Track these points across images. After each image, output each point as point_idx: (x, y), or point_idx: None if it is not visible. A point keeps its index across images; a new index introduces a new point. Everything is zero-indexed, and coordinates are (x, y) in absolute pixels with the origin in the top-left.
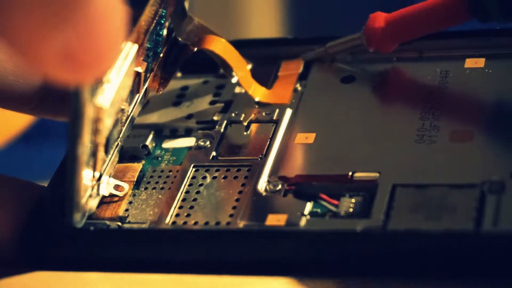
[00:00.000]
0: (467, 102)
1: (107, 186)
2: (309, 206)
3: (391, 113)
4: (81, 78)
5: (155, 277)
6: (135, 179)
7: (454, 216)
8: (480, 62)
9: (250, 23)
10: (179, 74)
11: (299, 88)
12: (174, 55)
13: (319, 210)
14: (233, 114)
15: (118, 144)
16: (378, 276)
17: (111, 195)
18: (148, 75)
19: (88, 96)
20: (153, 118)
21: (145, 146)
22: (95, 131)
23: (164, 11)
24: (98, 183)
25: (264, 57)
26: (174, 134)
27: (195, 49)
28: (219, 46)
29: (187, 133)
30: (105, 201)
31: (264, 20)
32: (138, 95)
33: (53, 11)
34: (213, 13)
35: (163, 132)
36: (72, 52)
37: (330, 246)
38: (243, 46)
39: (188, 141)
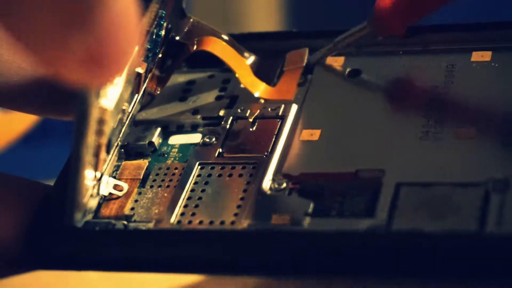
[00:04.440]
0: (473, 97)
1: (107, 186)
2: (313, 205)
3: (396, 109)
4: (99, 80)
5: (159, 277)
6: (141, 177)
7: (458, 216)
8: (486, 56)
9: (253, 17)
10: (184, 68)
11: (305, 83)
12: (172, 56)
13: (323, 209)
14: (238, 110)
15: (118, 144)
16: (382, 276)
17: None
18: (147, 75)
19: (94, 97)
20: (160, 113)
21: (152, 143)
22: (99, 132)
23: (164, 12)
24: (99, 183)
25: (270, 50)
26: (180, 129)
27: (194, 49)
28: (216, 47)
29: (193, 128)
30: (111, 198)
31: (268, 14)
32: (137, 95)
33: (72, 14)
34: (217, 7)
35: (169, 128)
36: (91, 55)
37: (334, 246)
38: (249, 40)
39: (195, 137)
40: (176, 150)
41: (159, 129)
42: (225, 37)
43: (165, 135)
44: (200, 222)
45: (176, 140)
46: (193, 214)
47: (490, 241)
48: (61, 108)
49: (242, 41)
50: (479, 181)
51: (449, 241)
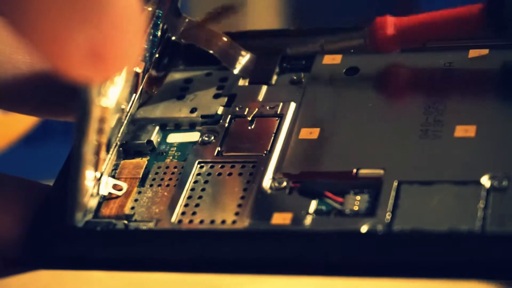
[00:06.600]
0: (471, 95)
1: (106, 186)
2: (314, 204)
3: (395, 107)
4: (102, 76)
5: (160, 276)
6: (141, 176)
7: (459, 215)
8: (483, 53)
9: (252, 14)
10: (181, 66)
11: (303, 80)
12: (168, 56)
13: (324, 208)
14: (237, 108)
15: (117, 143)
16: (383, 276)
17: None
18: (145, 75)
19: (95, 95)
20: (157, 112)
21: (150, 142)
22: (99, 131)
23: (161, 12)
24: (99, 183)
25: (266, 48)
26: (178, 128)
27: (197, 46)
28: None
29: (191, 127)
30: (110, 198)
31: (267, 11)
32: (135, 95)
33: (77, 9)
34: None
35: (167, 126)
36: (96, 50)
37: (335, 246)
38: (245, 38)
39: (193, 136)
40: (175, 148)
41: (157, 128)
42: (223, 36)
43: (163, 134)
44: (201, 222)
45: (175, 138)
46: (194, 213)
47: (491, 240)
48: (56, 109)
49: (239, 39)
50: (480, 180)
51: (450, 240)
